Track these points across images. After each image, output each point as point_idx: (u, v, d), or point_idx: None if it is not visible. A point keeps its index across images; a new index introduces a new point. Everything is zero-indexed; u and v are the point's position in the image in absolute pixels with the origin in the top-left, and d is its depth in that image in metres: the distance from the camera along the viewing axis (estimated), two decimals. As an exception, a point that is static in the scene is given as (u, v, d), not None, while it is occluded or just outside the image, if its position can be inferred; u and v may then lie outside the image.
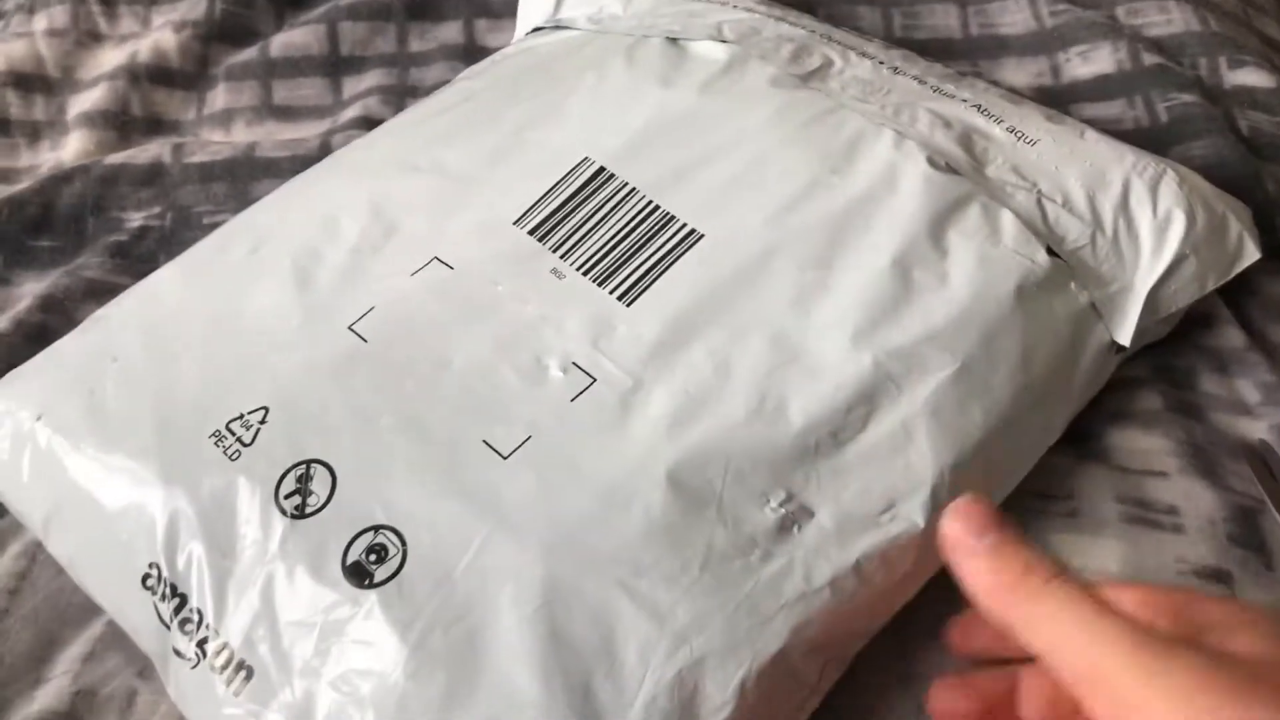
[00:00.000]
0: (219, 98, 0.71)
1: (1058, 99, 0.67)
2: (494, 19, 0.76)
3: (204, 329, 0.45)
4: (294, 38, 0.73)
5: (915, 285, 0.44)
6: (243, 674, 0.36)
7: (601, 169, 0.48)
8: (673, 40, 0.54)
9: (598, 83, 0.52)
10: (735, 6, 0.58)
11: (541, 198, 0.48)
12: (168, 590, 0.38)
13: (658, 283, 0.44)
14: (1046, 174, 0.49)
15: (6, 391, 0.45)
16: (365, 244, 0.47)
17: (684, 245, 0.45)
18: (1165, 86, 0.64)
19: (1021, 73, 0.69)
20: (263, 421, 0.41)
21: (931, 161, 0.47)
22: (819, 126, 0.49)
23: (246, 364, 0.43)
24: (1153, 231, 0.48)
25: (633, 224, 0.46)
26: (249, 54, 0.73)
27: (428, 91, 0.69)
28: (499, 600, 0.35)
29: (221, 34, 0.74)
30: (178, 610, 0.38)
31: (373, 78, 0.72)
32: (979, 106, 0.53)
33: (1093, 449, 0.49)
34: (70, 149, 0.67)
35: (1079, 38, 0.68)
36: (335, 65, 0.73)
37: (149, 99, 0.71)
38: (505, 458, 0.39)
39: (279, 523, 0.38)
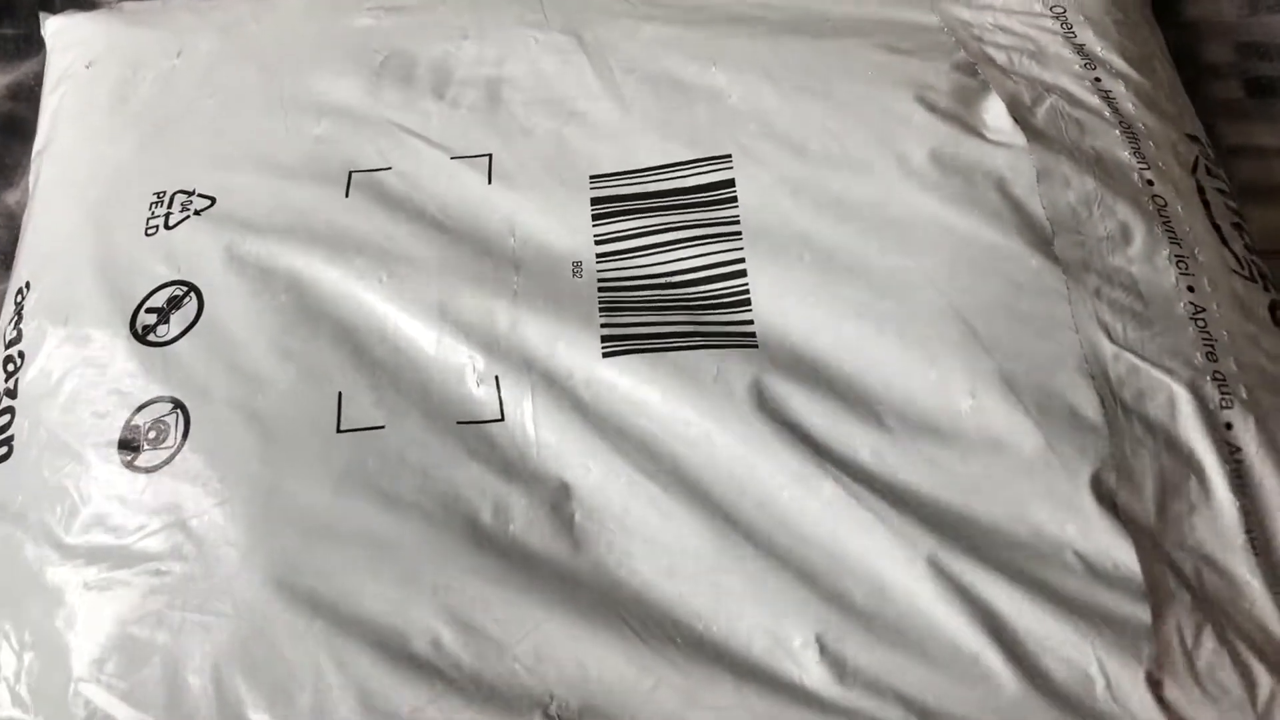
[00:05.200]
0: None
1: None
2: None
3: (254, 78, 0.38)
4: None
5: None
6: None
7: (731, 182, 0.34)
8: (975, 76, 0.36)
9: (841, 84, 0.35)
10: (1096, 78, 0.37)
11: (645, 170, 0.34)
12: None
13: (653, 355, 0.31)
14: None
15: (82, 24, 0.41)
16: (468, 86, 0.37)
17: (723, 341, 0.31)
18: None
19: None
20: (198, 212, 0.34)
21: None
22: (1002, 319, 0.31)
23: (242, 141, 0.36)
24: None
25: (700, 271, 0.33)
26: None
27: None
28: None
29: None
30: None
31: None
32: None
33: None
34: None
35: None
36: None
37: None
38: (340, 430, 0.31)
39: (122, 336, 0.32)
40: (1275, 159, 0.46)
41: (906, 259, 0.32)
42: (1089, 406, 0.30)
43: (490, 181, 0.35)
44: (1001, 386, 0.30)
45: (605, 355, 0.31)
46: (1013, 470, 0.29)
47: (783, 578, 0.29)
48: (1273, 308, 0.34)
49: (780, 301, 0.32)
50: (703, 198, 0.34)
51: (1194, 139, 0.37)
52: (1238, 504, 0.30)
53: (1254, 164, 0.46)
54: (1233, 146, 0.46)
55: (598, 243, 0.34)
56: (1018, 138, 0.34)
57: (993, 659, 0.28)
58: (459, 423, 0.31)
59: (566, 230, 0.34)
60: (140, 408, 0.31)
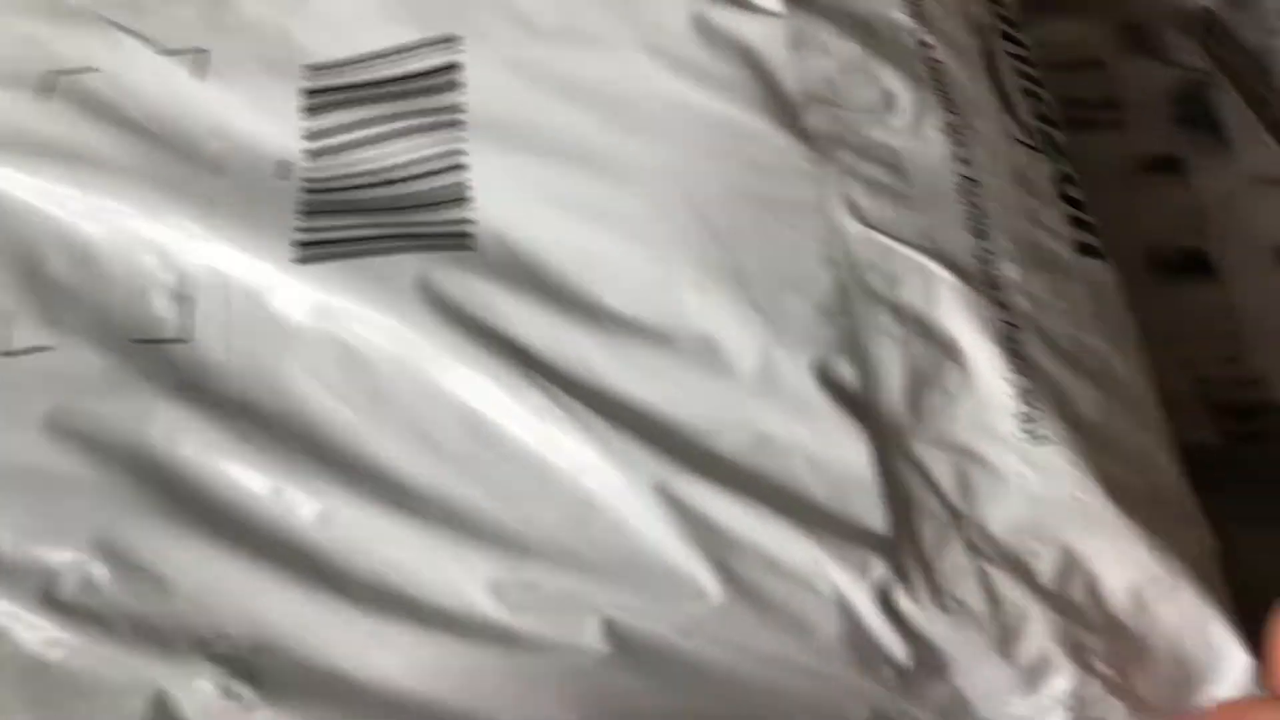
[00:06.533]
0: None
1: None
2: None
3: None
4: None
5: None
6: None
7: (458, 66, 0.30)
8: None
9: None
10: None
11: (365, 56, 0.31)
12: None
13: (352, 261, 0.28)
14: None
15: None
16: None
17: (433, 243, 0.28)
18: None
19: None
20: None
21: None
22: None
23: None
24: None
25: (417, 166, 0.29)
26: None
27: None
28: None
29: None
30: None
31: None
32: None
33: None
34: None
35: None
36: None
37: None
38: (7, 353, 0.27)
39: None
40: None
41: (640, 145, 0.28)
42: (825, 294, 0.26)
43: (203, 79, 0.31)
44: (730, 279, 0.27)
45: (299, 262, 0.28)
46: (737, 369, 0.26)
47: (476, 508, 0.26)
48: (1059, 179, 0.30)
49: (501, 197, 0.29)
50: (425, 84, 0.30)
51: (991, -3, 0.33)
52: (1014, 387, 0.26)
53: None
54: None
55: (306, 139, 0.30)
56: (773, 2, 0.30)
57: (706, 577, 0.25)
58: (135, 341, 0.28)
59: (275, 128, 0.30)
60: None
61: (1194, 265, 0.37)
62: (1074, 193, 0.30)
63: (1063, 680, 0.25)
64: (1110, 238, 0.37)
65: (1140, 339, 0.30)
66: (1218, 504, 0.33)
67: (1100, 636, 0.25)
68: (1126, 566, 0.25)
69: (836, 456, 0.26)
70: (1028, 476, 0.26)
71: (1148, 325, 0.35)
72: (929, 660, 0.25)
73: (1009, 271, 0.27)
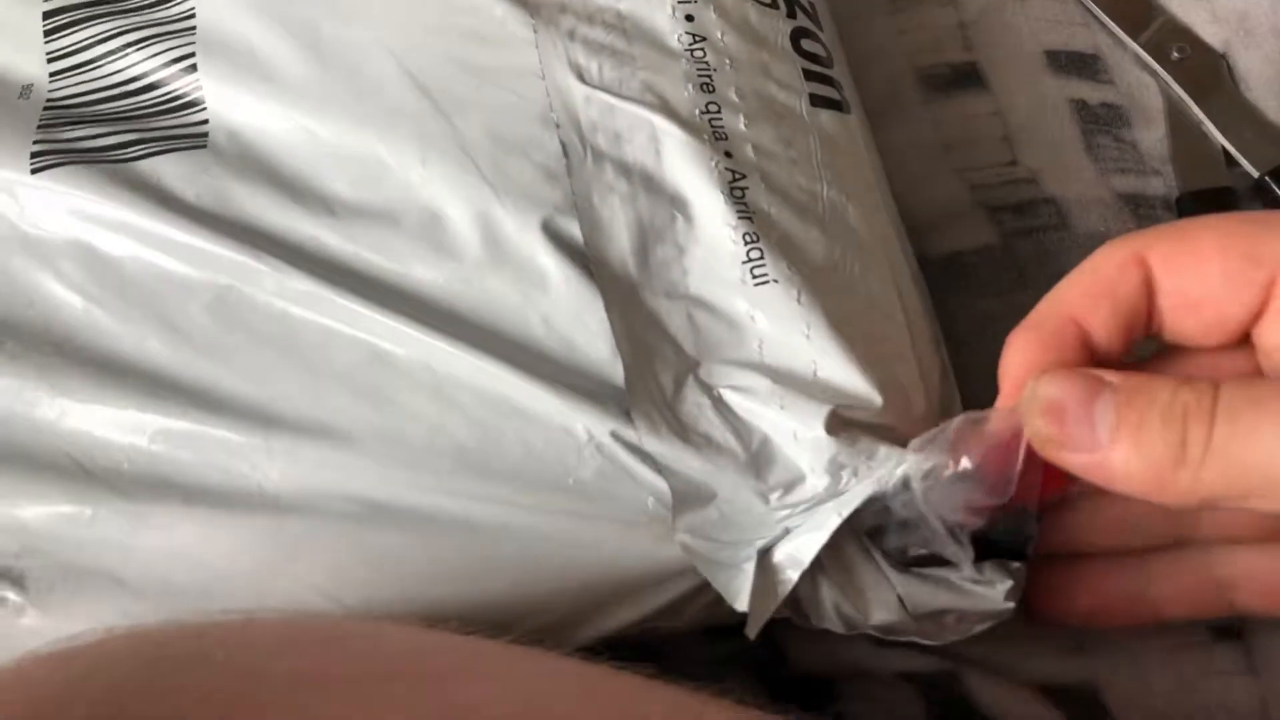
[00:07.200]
0: None
1: None
2: None
3: None
4: None
5: None
6: None
7: None
8: None
9: None
10: None
11: None
12: None
13: (87, 166, 0.28)
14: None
15: None
16: None
17: (168, 145, 0.28)
18: None
19: None
20: None
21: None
22: None
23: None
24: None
25: (152, 75, 0.29)
26: None
27: None
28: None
29: None
30: None
31: None
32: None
33: None
34: None
35: None
36: None
37: None
38: None
39: None
40: None
41: (360, 30, 0.29)
42: (550, 156, 0.27)
43: (-61, 13, 0.31)
44: (454, 149, 0.27)
45: (34, 171, 0.28)
46: (466, 238, 0.27)
47: (228, 390, 0.26)
48: (796, 35, 0.30)
49: (232, 96, 0.29)
50: (159, -6, 0.30)
51: None
52: (739, 234, 0.27)
53: None
54: None
55: (51, 59, 0.30)
56: (495, -121, 0.30)
57: (460, 434, 0.25)
58: None
59: (20, 52, 0.30)
60: None
61: (966, 78, 0.37)
62: (810, 47, 0.30)
63: (818, 489, 0.25)
64: (882, 62, 0.37)
65: (883, 187, 0.31)
66: (1000, 307, 0.34)
67: (840, 448, 0.25)
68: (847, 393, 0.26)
69: (571, 314, 0.26)
70: (756, 318, 0.26)
71: (925, 141, 0.37)
72: (689, 493, 0.25)
73: (736, 124, 0.28)
